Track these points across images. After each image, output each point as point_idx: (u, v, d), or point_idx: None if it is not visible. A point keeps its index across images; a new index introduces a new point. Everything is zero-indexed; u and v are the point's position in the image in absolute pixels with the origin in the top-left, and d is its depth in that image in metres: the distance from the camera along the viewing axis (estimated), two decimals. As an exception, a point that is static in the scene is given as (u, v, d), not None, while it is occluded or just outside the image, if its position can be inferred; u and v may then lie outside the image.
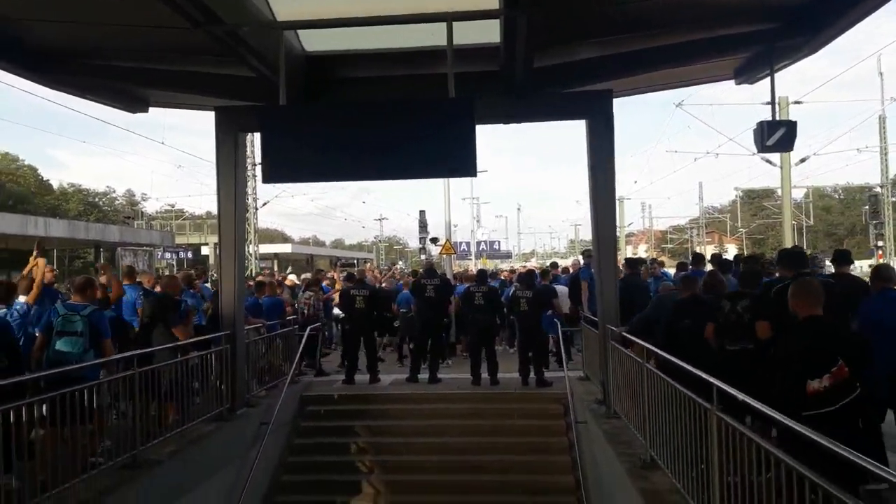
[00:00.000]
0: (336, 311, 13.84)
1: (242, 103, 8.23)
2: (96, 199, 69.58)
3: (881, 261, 30.59)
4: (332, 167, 5.81)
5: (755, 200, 73.60)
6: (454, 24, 6.05)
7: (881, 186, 37.16)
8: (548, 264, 18.63)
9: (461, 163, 5.59)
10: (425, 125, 5.57)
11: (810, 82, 71.75)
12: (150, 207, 62.16)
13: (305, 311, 12.65)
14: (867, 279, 6.67)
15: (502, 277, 17.73)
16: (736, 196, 66.66)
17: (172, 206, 57.04)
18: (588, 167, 8.39)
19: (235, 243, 8.87)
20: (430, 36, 7.22)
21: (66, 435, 5.71)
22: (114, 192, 72.98)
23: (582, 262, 13.89)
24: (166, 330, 7.81)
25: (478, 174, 5.73)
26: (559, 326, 11.64)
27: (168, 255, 38.20)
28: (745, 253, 35.85)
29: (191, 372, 7.89)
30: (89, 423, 6.04)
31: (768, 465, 3.49)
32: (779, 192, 55.95)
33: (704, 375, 4.52)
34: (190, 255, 40.73)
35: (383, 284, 15.46)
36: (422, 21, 6.35)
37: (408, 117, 5.65)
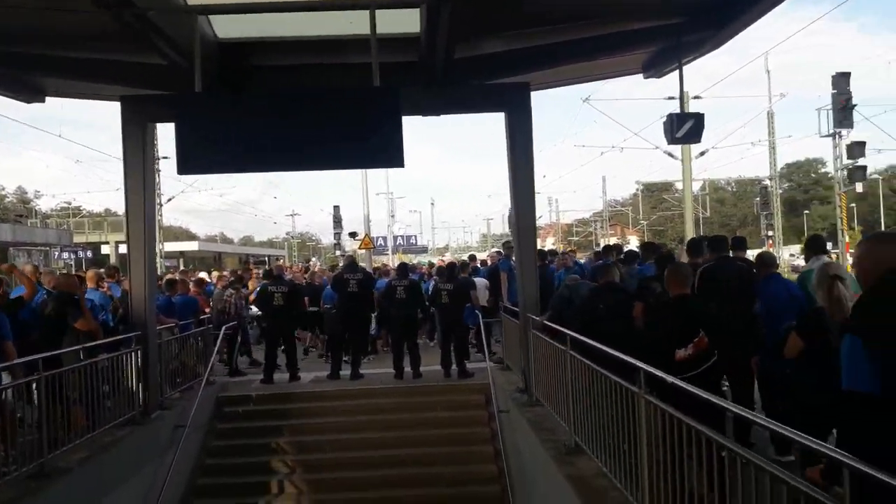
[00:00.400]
0: (253, 308, 13.45)
1: (151, 92, 7.85)
2: (-19, 198, 64.93)
3: (771, 249, 32.54)
4: (252, 157, 5.61)
5: (655, 193, 76.79)
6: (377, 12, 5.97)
7: (770, 179, 39.43)
8: (465, 257, 18.73)
9: (388, 153, 5.52)
10: (350, 115, 5.46)
11: (711, 78, 75.23)
12: (44, 205, 58.53)
13: (228, 310, 12.26)
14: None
15: (421, 272, 17.74)
16: (637, 189, 69.51)
17: (69, 203, 53.88)
18: (508, 159, 8.49)
19: (145, 239, 8.48)
20: (349, 24, 7.12)
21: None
22: (3, 189, 68.31)
23: (503, 253, 14.08)
24: (68, 329, 7.41)
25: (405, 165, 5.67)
26: (480, 317, 11.74)
27: (66, 254, 36.02)
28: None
29: (100, 375, 7.49)
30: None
31: (699, 444, 3.62)
32: (677, 185, 58.46)
33: (632, 360, 4.65)
34: (89, 254, 38.62)
35: (307, 279, 15.17)
36: (343, 8, 6.24)
37: (332, 106, 5.51)
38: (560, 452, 6.45)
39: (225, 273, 15.01)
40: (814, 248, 6.44)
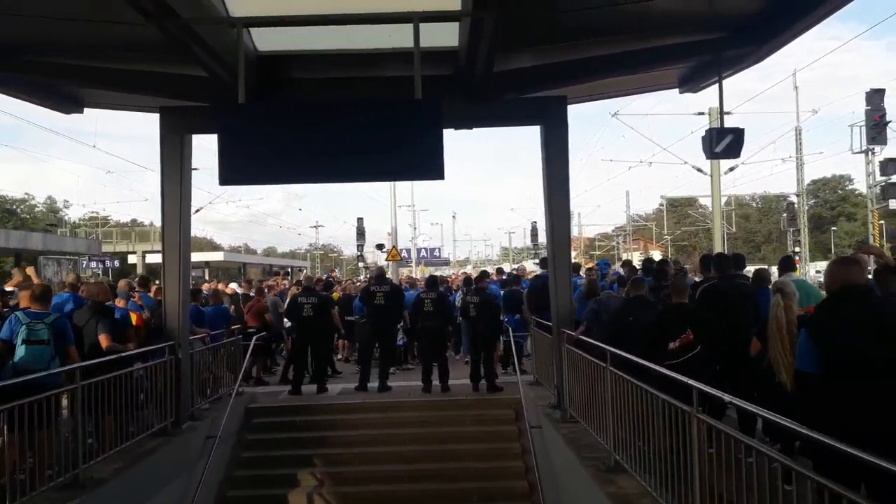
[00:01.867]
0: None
1: (189, 103, 7.91)
2: (13, 206, 65.78)
3: (798, 265, 32.03)
4: (294, 168, 5.59)
5: (678, 208, 76.14)
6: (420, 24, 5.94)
7: (797, 195, 38.86)
8: (513, 269, 18.43)
9: (430, 165, 5.49)
10: (393, 126, 5.43)
11: (736, 94, 74.65)
12: (73, 214, 59.33)
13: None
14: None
15: (448, 283, 17.71)
16: (661, 204, 69.04)
17: (97, 213, 54.62)
18: (542, 172, 8.45)
19: (180, 249, 8.52)
20: (388, 38, 7.13)
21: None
22: (33, 198, 69.21)
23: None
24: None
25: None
26: (511, 331, 11.63)
27: (94, 263, 36.47)
28: (672, 258, 36.96)
29: (136, 384, 7.50)
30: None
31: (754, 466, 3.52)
32: (701, 200, 57.80)
33: (684, 378, 4.57)
34: (117, 263, 39.10)
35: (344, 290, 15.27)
36: (387, 21, 6.23)
37: (374, 118, 5.49)
38: (600, 470, 6.34)
39: (280, 281, 15.17)
40: (785, 266, 7.82)
